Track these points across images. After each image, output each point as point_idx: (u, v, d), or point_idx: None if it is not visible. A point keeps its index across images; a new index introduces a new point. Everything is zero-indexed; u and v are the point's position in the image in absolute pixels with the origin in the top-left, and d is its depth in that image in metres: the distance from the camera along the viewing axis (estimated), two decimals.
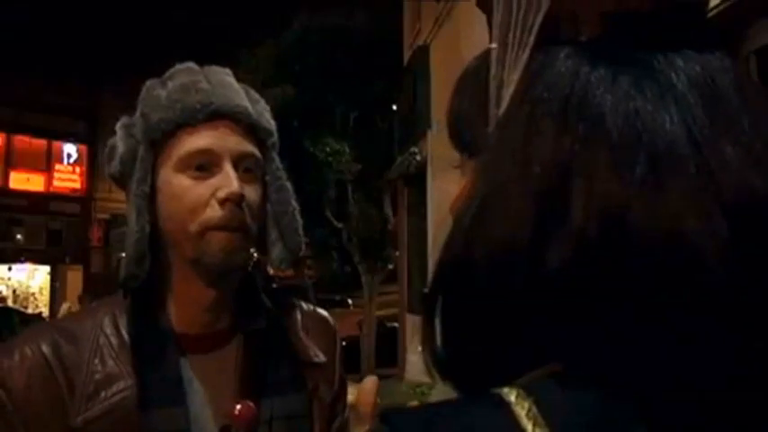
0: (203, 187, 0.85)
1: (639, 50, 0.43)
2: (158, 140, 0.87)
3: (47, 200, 21.70)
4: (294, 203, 0.94)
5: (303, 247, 0.95)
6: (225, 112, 0.87)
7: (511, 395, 0.37)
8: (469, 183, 0.46)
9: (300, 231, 0.94)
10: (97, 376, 0.83)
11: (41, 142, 21.85)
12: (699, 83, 0.41)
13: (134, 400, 0.81)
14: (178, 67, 0.92)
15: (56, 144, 22.23)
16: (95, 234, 22.24)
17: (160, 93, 0.89)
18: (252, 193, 0.87)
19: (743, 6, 3.58)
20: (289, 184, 0.95)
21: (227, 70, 0.95)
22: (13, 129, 21.07)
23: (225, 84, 0.91)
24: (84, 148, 22.33)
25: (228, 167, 0.85)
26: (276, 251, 0.93)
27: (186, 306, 0.89)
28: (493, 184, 0.43)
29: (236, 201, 0.84)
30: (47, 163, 22.07)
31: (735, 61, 0.45)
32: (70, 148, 22.54)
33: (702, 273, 0.36)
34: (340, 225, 11.55)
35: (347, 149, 11.16)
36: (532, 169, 0.41)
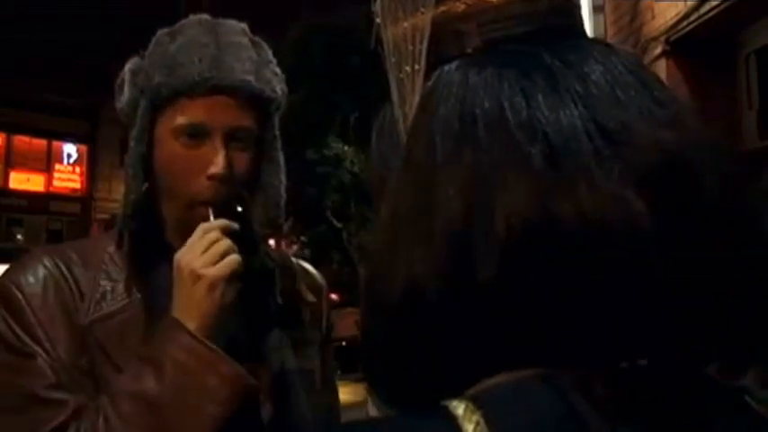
0: (193, 158, 0.89)
1: (524, 48, 0.42)
2: (158, 102, 0.91)
3: (47, 200, 21.68)
4: (282, 178, 0.98)
5: (282, 220, 1.00)
6: (224, 86, 0.89)
7: (459, 408, 0.36)
8: (383, 210, 0.45)
9: (282, 205, 0.98)
10: (104, 288, 0.90)
11: (41, 142, 21.83)
12: (589, 67, 0.41)
13: (141, 304, 0.89)
14: (191, 19, 0.94)
15: (56, 144, 22.21)
16: (95, 234, 22.21)
17: (167, 48, 0.91)
18: (241, 161, 0.91)
19: (743, 6, 3.58)
20: (281, 157, 0.99)
21: (243, 27, 0.96)
22: (13, 129, 21.06)
23: (233, 48, 0.92)
24: (84, 148, 22.31)
25: (219, 143, 0.89)
26: (256, 215, 0.97)
27: (180, 240, 0.93)
28: (407, 208, 0.41)
29: (221, 180, 0.88)
30: (47, 163, 22.06)
31: (621, 49, 0.44)
32: (70, 148, 22.52)
33: (628, 255, 0.36)
34: (340, 225, 11.56)
35: (347, 149, 11.16)
36: (441, 192, 0.39)
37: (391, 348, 0.41)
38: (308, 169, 10.86)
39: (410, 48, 0.44)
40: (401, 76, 0.45)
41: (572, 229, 0.36)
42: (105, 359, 0.86)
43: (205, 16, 0.94)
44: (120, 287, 0.90)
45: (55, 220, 21.83)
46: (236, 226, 0.87)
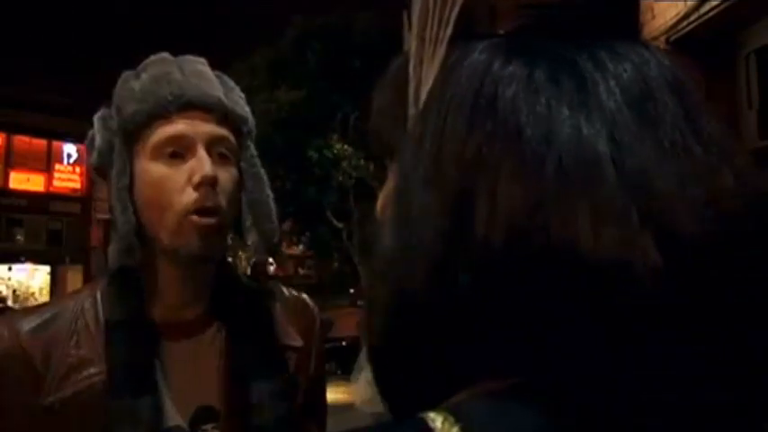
0: (178, 173, 0.86)
1: (560, 45, 0.38)
2: (133, 132, 0.88)
3: (47, 200, 21.69)
4: (268, 191, 0.96)
5: (277, 234, 0.96)
6: (197, 102, 0.88)
7: (437, 420, 0.34)
8: (387, 190, 0.42)
9: (274, 219, 0.95)
10: (71, 360, 0.84)
11: (41, 142, 21.84)
12: (626, 81, 0.37)
13: (103, 386, 0.83)
14: (152, 58, 0.94)
15: (56, 144, 22.22)
16: (95, 234, 22.22)
17: (134, 85, 0.90)
18: (226, 176, 0.89)
19: (743, 6, 3.58)
20: (263, 172, 0.96)
21: (202, 60, 0.96)
22: (13, 129, 21.06)
23: (198, 74, 0.92)
24: (84, 148, 22.20)
25: (202, 152, 0.86)
26: (251, 238, 0.94)
27: (164, 293, 0.90)
28: (404, 194, 0.39)
29: (209, 183, 0.85)
30: (47, 163, 22.06)
31: (668, 54, 0.40)
32: (70, 148, 22.53)
33: (622, 285, 0.33)
34: (340, 225, 11.55)
35: (347, 148, 11.16)
36: (441, 174, 0.37)
37: (382, 353, 0.40)
38: (309, 169, 10.86)
39: (439, 9, 0.40)
40: (424, 36, 0.41)
41: (563, 258, 0.33)
42: None
43: (165, 54, 0.94)
44: (87, 360, 0.85)
45: (55, 220, 21.82)
46: None
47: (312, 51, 11.58)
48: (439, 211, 0.36)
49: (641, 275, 0.32)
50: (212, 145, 0.88)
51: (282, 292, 1.04)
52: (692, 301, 0.33)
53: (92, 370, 0.84)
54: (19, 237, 21.03)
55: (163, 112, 0.87)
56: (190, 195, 0.85)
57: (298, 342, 0.97)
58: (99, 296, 0.90)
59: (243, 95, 0.97)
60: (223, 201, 0.87)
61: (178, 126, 0.87)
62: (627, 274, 0.32)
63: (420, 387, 0.38)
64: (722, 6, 3.63)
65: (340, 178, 11.17)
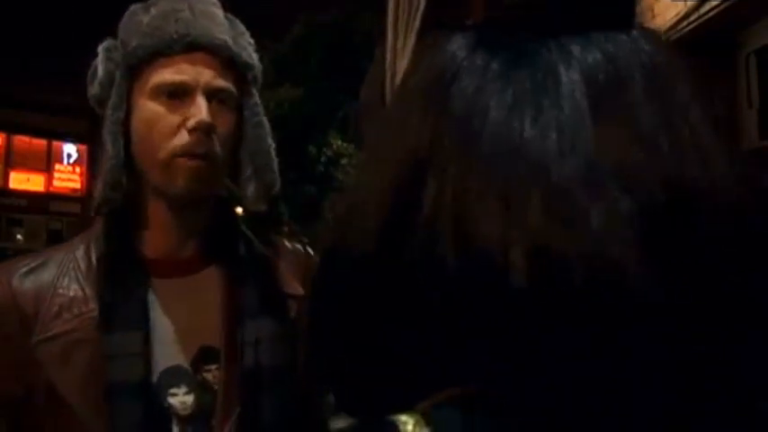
0: (174, 116, 0.86)
1: (527, 37, 0.37)
2: (135, 66, 0.88)
3: (47, 200, 21.68)
4: (270, 140, 0.94)
5: (278, 184, 0.95)
6: (202, 44, 0.87)
7: (408, 424, 0.34)
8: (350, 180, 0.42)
9: (275, 168, 0.94)
10: (61, 299, 0.84)
11: (41, 142, 21.83)
12: (592, 69, 0.35)
13: (95, 322, 0.83)
14: None
15: (56, 144, 22.21)
16: None
17: (141, 18, 0.89)
18: (223, 124, 0.88)
19: (743, 6, 3.58)
20: (265, 120, 0.95)
21: (214, 0, 0.94)
22: (13, 129, 21.05)
23: (208, 14, 0.90)
24: (84, 148, 22.31)
25: (200, 99, 0.85)
26: (250, 188, 0.93)
27: (155, 231, 0.90)
28: (359, 182, 0.39)
29: (203, 129, 0.84)
30: (47, 163, 22.05)
31: (654, 39, 0.38)
32: (70, 148, 22.52)
33: (561, 281, 0.31)
34: None
35: (346, 146, 11.16)
36: (393, 162, 0.36)
37: (339, 353, 0.38)
38: (308, 168, 10.86)
39: None
40: (397, 26, 0.41)
41: (485, 239, 0.32)
42: (47, 385, 0.81)
43: None
44: (78, 299, 0.84)
45: (55, 220, 21.80)
46: None
47: (320, 48, 11.59)
48: (385, 203, 0.36)
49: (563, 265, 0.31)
50: (212, 93, 0.87)
51: (283, 243, 1.04)
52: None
53: (83, 308, 0.84)
54: (19, 237, 21.01)
55: (166, 50, 0.86)
56: (182, 138, 0.85)
57: (298, 291, 0.96)
58: (92, 238, 0.90)
59: (252, 41, 0.95)
60: (217, 147, 0.86)
61: (180, 72, 0.86)
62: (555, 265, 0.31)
63: (385, 391, 0.37)
64: (722, 6, 3.64)
65: (341, 176, 11.16)
